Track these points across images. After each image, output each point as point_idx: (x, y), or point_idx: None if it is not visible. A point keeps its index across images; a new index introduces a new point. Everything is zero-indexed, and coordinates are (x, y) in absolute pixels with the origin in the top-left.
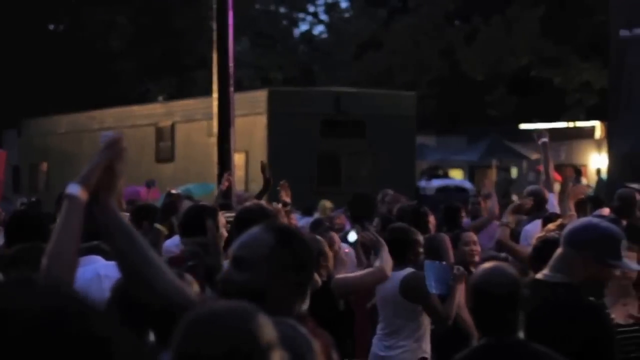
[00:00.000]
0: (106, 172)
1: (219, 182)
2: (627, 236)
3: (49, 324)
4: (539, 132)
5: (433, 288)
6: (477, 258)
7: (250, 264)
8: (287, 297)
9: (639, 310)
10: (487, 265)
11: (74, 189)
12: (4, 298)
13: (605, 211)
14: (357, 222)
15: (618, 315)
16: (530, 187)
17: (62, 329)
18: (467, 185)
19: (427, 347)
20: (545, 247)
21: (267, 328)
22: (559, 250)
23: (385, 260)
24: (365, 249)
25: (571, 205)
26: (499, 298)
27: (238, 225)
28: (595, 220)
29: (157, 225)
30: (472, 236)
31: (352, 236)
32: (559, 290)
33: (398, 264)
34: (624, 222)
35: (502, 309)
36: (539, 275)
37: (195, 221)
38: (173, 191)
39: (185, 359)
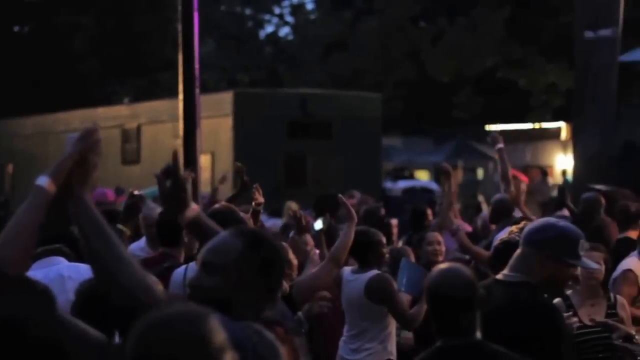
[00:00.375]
0: (80, 164)
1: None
2: (591, 238)
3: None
4: (494, 138)
5: (403, 286)
6: (440, 258)
7: (220, 268)
8: (255, 302)
9: (607, 311)
10: (443, 266)
11: (42, 181)
12: None
13: (566, 212)
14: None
15: (585, 316)
16: (496, 196)
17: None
18: (433, 186)
19: (392, 348)
20: (505, 248)
21: (218, 332)
22: (518, 251)
23: (342, 241)
24: (328, 239)
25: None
26: (455, 300)
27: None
28: (553, 220)
29: (120, 226)
30: (437, 236)
31: (319, 224)
32: (516, 290)
33: (362, 267)
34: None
35: (458, 310)
36: (499, 276)
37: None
38: (135, 192)
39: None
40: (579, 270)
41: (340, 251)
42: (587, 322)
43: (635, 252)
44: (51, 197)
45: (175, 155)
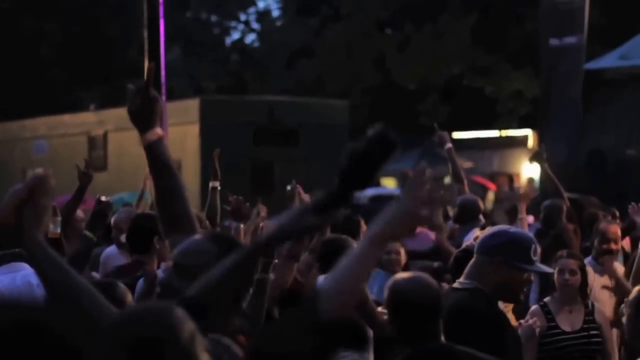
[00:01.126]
0: (32, 206)
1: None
2: (552, 245)
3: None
4: (441, 137)
5: (374, 294)
6: (398, 268)
7: (192, 272)
8: (224, 308)
9: (585, 317)
10: (406, 275)
11: None
12: None
13: (530, 219)
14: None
15: (564, 322)
16: (462, 196)
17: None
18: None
19: (370, 356)
20: (465, 257)
21: (187, 321)
22: (473, 259)
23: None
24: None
25: (523, 207)
26: (420, 308)
27: None
28: (505, 226)
29: (87, 232)
30: (397, 246)
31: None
32: (467, 297)
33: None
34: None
35: (423, 318)
36: (455, 284)
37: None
38: (103, 198)
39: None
40: (532, 276)
41: (297, 245)
42: (566, 329)
43: (590, 258)
44: None
45: (149, 73)
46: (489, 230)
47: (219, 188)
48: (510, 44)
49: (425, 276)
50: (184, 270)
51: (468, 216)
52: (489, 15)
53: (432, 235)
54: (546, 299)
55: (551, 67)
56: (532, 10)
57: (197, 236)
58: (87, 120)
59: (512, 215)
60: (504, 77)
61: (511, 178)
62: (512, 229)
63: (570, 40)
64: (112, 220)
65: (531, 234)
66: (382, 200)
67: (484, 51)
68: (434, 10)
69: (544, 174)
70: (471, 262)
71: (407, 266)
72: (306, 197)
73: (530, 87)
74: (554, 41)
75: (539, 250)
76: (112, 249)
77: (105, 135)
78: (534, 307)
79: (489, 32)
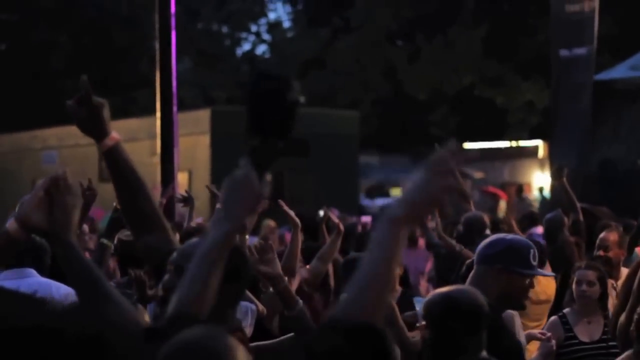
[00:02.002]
0: (59, 207)
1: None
2: (553, 258)
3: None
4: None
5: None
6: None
7: None
8: (221, 307)
9: (604, 328)
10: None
11: (8, 223)
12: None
13: (540, 229)
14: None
15: (582, 333)
16: (467, 214)
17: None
18: None
19: None
20: (468, 271)
21: (239, 349)
22: (473, 270)
23: (291, 250)
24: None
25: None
26: (463, 321)
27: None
28: (502, 234)
29: (103, 240)
30: None
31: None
32: None
33: None
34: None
35: (466, 332)
36: None
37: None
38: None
39: None
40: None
41: (290, 260)
42: (584, 340)
43: None
44: (10, 237)
45: (84, 84)
46: (486, 240)
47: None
48: (521, 55)
49: (469, 289)
50: (184, 271)
51: (474, 233)
52: (500, 26)
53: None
54: (565, 310)
55: (561, 78)
56: (542, 21)
57: (196, 239)
58: None
59: (523, 225)
60: (515, 88)
61: (520, 188)
62: (510, 236)
63: (580, 51)
64: None
65: (528, 240)
66: None
67: (494, 62)
68: (444, 21)
69: (562, 189)
70: (472, 273)
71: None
72: (337, 220)
73: (541, 98)
74: (563, 52)
75: (537, 254)
76: None
77: None
78: (552, 318)
79: (500, 42)
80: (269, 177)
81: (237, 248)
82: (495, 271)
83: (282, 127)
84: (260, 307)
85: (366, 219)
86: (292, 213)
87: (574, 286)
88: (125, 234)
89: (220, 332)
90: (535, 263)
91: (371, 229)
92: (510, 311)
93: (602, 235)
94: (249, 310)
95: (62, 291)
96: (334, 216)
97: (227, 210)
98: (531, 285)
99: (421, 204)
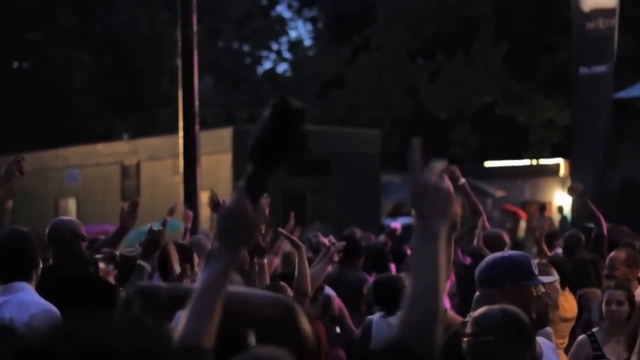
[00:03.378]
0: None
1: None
2: (572, 275)
3: None
4: (452, 172)
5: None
6: None
7: None
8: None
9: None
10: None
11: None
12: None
13: (559, 250)
14: None
15: (611, 352)
16: (487, 231)
17: None
18: None
19: None
20: None
21: None
22: (477, 293)
23: (300, 271)
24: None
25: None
26: (504, 341)
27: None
28: (498, 254)
29: (140, 262)
30: None
31: None
32: None
33: (390, 313)
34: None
35: (510, 353)
36: (466, 318)
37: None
38: (155, 228)
39: None
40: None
41: (300, 281)
42: (612, 359)
43: None
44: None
45: None
46: (485, 261)
47: None
48: (542, 73)
49: (510, 307)
50: None
51: (495, 251)
52: (521, 44)
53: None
54: (594, 329)
55: (581, 96)
56: (563, 39)
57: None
58: (120, 149)
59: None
60: (536, 106)
61: (543, 207)
62: (506, 253)
63: (600, 68)
64: None
65: (524, 252)
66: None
67: (515, 80)
68: (465, 40)
69: (584, 205)
70: (476, 296)
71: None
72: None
73: (562, 116)
74: (584, 70)
75: (535, 264)
76: None
77: (138, 165)
78: (581, 337)
79: (521, 61)
80: (265, 201)
81: None
82: (507, 290)
83: (280, 155)
84: None
85: (396, 224)
86: (293, 237)
87: (603, 306)
88: (127, 250)
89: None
90: (537, 272)
91: (391, 249)
92: (547, 329)
93: (611, 254)
94: None
95: (32, 310)
96: (323, 238)
97: (224, 242)
98: (539, 296)
99: (448, 209)
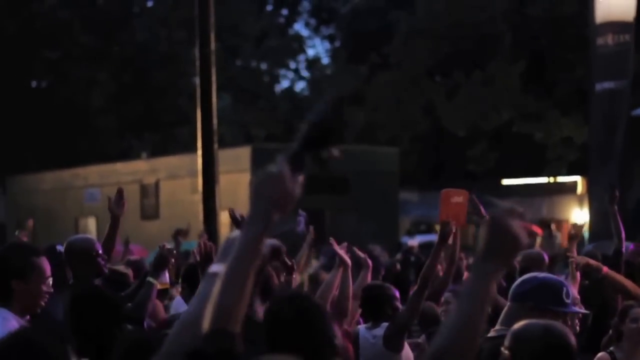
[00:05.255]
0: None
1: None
2: (587, 292)
3: None
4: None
5: None
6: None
7: None
8: None
9: None
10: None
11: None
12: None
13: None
14: None
15: None
16: (525, 252)
17: None
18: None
19: None
20: None
21: None
22: (506, 307)
23: (343, 290)
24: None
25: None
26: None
27: None
28: (535, 272)
29: (150, 279)
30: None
31: None
32: (498, 343)
33: (375, 321)
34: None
35: None
36: (491, 332)
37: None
38: (167, 246)
39: None
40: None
41: (342, 301)
42: None
43: None
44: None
45: None
46: (522, 277)
47: None
48: (559, 90)
49: (554, 324)
50: None
51: (533, 270)
52: (538, 62)
53: None
54: (612, 347)
55: (597, 112)
56: (580, 56)
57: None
58: (140, 168)
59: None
60: (554, 124)
61: (547, 224)
62: (542, 274)
63: (616, 85)
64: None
65: (562, 279)
66: (432, 247)
67: (533, 98)
68: (482, 57)
69: (611, 214)
70: (505, 309)
71: None
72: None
73: (580, 134)
74: (600, 87)
75: (571, 293)
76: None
77: (157, 184)
78: (601, 354)
79: (538, 78)
80: (301, 178)
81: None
82: (527, 309)
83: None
84: None
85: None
86: (342, 253)
87: (627, 324)
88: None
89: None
90: (569, 301)
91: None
92: None
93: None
94: None
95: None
96: (341, 251)
97: (256, 206)
98: (566, 324)
99: (507, 251)
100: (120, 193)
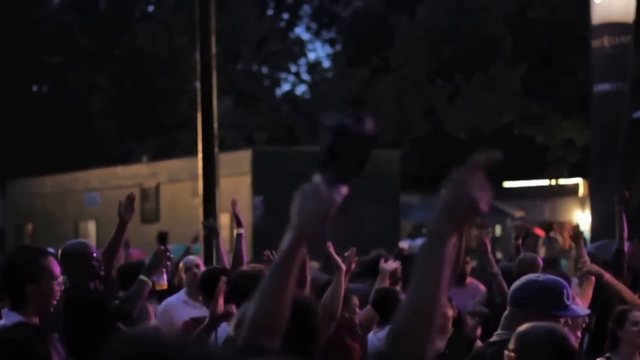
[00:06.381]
0: None
1: (205, 243)
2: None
3: None
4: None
5: None
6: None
7: None
8: None
9: None
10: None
11: None
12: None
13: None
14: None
15: None
16: (521, 256)
17: None
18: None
19: None
20: None
21: None
22: (506, 311)
23: (334, 292)
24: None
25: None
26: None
27: (236, 293)
28: (534, 275)
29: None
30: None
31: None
32: (501, 347)
33: (383, 323)
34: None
35: None
36: (492, 338)
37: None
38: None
39: None
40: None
41: (332, 303)
42: None
43: None
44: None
45: None
46: (519, 281)
47: (243, 234)
48: (561, 93)
49: (557, 327)
50: None
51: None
52: (539, 64)
53: (482, 286)
54: (609, 354)
55: (599, 115)
56: (582, 59)
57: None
58: (140, 172)
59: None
60: (555, 126)
61: (547, 227)
62: (542, 277)
63: (612, 88)
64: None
65: (561, 279)
66: None
67: (534, 100)
68: (483, 60)
69: (618, 215)
70: (505, 314)
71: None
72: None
73: (581, 136)
74: (601, 89)
75: (571, 293)
76: (178, 296)
77: (157, 187)
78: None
79: (539, 81)
80: (344, 189)
81: None
82: (529, 314)
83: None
84: None
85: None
86: (337, 257)
87: (627, 327)
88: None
89: None
90: (569, 302)
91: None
92: None
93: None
94: None
95: None
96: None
97: (296, 218)
98: (567, 324)
99: (462, 213)
100: (131, 198)
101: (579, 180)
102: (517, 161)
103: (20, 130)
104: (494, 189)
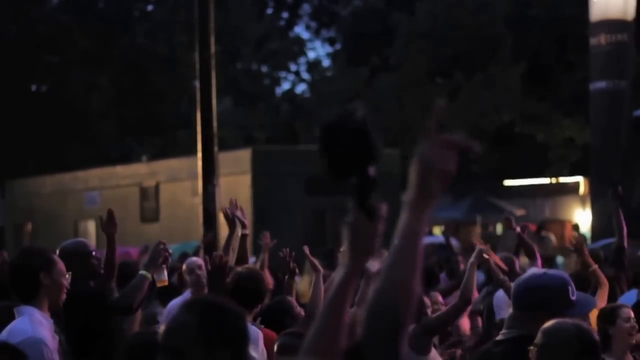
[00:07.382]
0: None
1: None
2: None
3: None
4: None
5: None
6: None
7: (181, 351)
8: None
9: None
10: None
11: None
12: None
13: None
14: None
15: None
16: (504, 254)
17: None
18: (452, 242)
19: None
20: None
21: None
22: (510, 311)
23: (315, 295)
24: None
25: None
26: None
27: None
28: (536, 275)
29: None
30: (437, 296)
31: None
32: (511, 344)
33: None
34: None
35: None
36: (498, 337)
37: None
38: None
39: None
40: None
41: (314, 306)
42: None
43: None
44: None
45: None
46: (522, 282)
47: (247, 235)
48: (561, 91)
49: (584, 324)
50: (173, 351)
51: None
52: (539, 63)
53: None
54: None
55: (600, 113)
56: (582, 57)
57: (178, 308)
58: (139, 171)
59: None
60: (555, 125)
61: (540, 225)
62: (543, 277)
63: (617, 86)
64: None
65: (563, 274)
66: (433, 248)
67: (534, 99)
68: (483, 59)
69: (614, 211)
70: (510, 315)
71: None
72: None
73: (581, 134)
74: (598, 87)
75: (574, 288)
76: (183, 297)
77: (157, 187)
78: None
79: (540, 79)
80: (383, 207)
81: (226, 309)
82: (537, 316)
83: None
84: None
85: None
86: (313, 260)
87: (618, 324)
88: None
89: None
90: (574, 298)
91: None
92: None
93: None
94: (258, 335)
95: (18, 338)
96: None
97: (347, 258)
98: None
99: (430, 178)
100: (110, 214)
101: (579, 179)
102: (518, 160)
103: (19, 130)
104: (495, 187)
